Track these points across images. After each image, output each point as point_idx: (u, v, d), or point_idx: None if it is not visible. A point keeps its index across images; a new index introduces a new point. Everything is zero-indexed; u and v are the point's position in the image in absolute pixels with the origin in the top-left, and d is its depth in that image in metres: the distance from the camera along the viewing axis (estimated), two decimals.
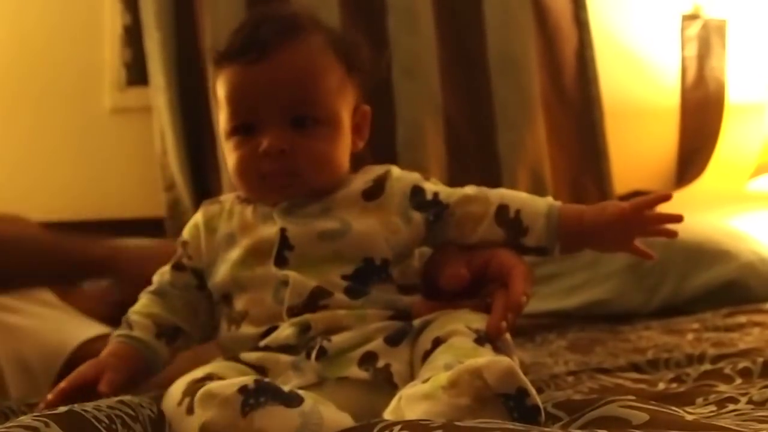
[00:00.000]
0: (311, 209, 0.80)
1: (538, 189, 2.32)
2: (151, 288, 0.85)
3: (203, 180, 2.37)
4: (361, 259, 0.76)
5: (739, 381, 0.83)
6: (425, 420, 0.52)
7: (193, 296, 0.84)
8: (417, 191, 0.82)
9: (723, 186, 2.39)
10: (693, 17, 2.47)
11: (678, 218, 0.85)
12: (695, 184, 2.38)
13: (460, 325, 0.69)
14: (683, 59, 2.47)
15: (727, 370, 0.87)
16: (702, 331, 1.38)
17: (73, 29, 2.49)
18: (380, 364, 0.69)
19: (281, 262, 0.76)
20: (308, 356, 0.70)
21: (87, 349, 1.18)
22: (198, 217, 0.86)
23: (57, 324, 1.25)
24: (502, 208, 0.80)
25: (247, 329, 0.76)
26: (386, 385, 0.68)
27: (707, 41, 2.45)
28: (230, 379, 0.59)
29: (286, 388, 0.58)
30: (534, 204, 0.80)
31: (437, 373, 0.59)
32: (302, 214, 0.79)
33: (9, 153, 2.32)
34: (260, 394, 0.56)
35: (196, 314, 0.84)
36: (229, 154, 0.82)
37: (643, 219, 0.82)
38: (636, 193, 2.39)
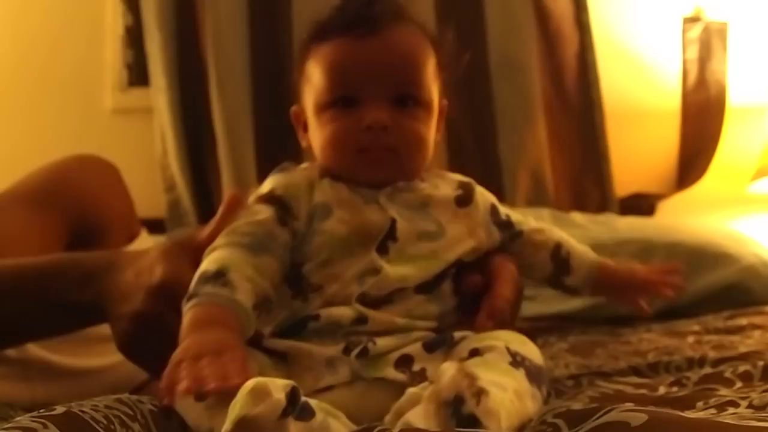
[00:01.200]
0: (410, 198, 0.80)
1: (538, 191, 2.32)
2: (241, 239, 0.73)
3: (203, 181, 2.38)
4: (448, 263, 0.78)
5: (739, 384, 0.82)
6: (422, 429, 0.52)
7: (285, 260, 0.75)
8: (494, 210, 0.86)
9: (724, 189, 2.39)
10: (694, 20, 2.47)
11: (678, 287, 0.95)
12: (696, 186, 2.37)
13: (500, 343, 0.67)
14: (684, 62, 2.47)
15: (728, 374, 0.87)
16: (703, 334, 1.38)
17: (74, 30, 2.49)
18: (416, 367, 0.68)
19: (383, 250, 0.75)
20: (345, 352, 0.69)
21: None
22: (294, 175, 0.80)
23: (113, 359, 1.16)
24: (558, 247, 0.89)
25: (316, 302, 0.73)
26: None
27: (708, 44, 2.44)
28: (277, 380, 0.54)
29: (301, 401, 0.55)
30: (582, 252, 0.90)
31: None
32: (403, 202, 0.79)
33: (9, 152, 2.32)
34: (291, 404, 0.53)
35: (279, 283, 0.74)
36: (321, 127, 0.80)
37: (658, 282, 0.93)
38: (637, 196, 2.39)
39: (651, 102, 2.46)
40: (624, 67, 2.46)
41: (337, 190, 0.79)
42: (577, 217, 2.13)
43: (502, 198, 2.50)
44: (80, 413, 0.56)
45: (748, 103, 2.43)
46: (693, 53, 2.46)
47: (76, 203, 1.23)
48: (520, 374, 0.64)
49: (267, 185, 0.79)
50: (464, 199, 0.83)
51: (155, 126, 2.40)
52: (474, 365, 0.63)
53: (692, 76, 2.46)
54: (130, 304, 0.75)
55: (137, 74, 2.50)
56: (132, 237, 1.33)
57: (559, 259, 0.88)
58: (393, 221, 0.76)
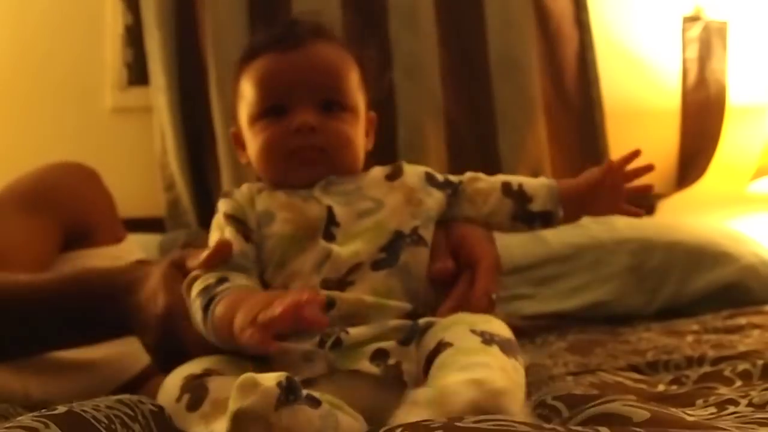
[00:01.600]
0: (346, 187, 0.84)
1: None
2: (223, 266, 0.77)
3: (203, 180, 2.38)
4: (393, 231, 0.80)
5: (738, 383, 0.82)
6: (426, 420, 0.52)
7: (259, 271, 0.80)
8: (430, 176, 0.88)
9: (724, 188, 2.39)
10: (694, 19, 2.47)
11: (649, 168, 0.98)
12: (696, 186, 2.37)
13: (463, 327, 0.69)
14: (684, 61, 2.46)
15: (727, 373, 0.87)
16: (702, 333, 1.38)
17: (74, 29, 2.49)
18: (391, 361, 0.70)
19: (329, 237, 0.79)
20: (321, 345, 0.70)
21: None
22: (235, 198, 0.84)
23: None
24: (506, 183, 0.88)
25: None
26: (396, 382, 0.68)
27: (708, 43, 2.44)
28: (267, 374, 0.57)
29: (306, 392, 0.57)
30: (533, 179, 0.89)
31: (451, 375, 0.60)
32: (340, 191, 0.83)
33: (8, 151, 2.32)
34: (290, 392, 0.56)
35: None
36: (255, 137, 0.86)
37: (622, 175, 0.97)
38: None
39: (651, 101, 2.46)
40: (624, 66, 2.45)
41: (275, 197, 0.83)
42: None
43: None
44: (82, 413, 0.56)
45: (748, 103, 2.43)
46: (693, 52, 2.46)
47: (67, 208, 1.26)
48: (494, 350, 0.66)
49: (220, 211, 0.84)
50: (393, 174, 0.87)
51: (155, 125, 2.40)
52: (448, 356, 0.65)
53: (692, 76, 2.46)
54: (149, 337, 0.82)
55: (137, 73, 2.50)
56: (118, 239, 1.35)
57: (513, 192, 0.88)
58: (329, 208, 0.80)
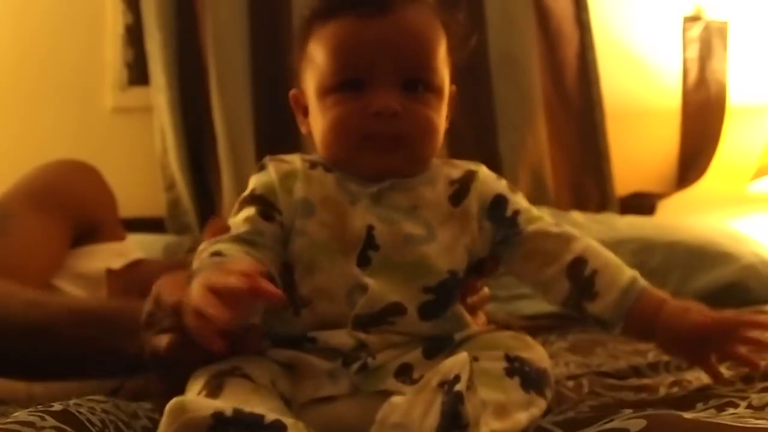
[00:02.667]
0: (400, 201, 0.74)
1: (538, 190, 2.32)
2: (239, 232, 0.71)
3: (203, 180, 2.38)
4: (445, 271, 0.72)
5: (739, 384, 0.82)
6: None
7: (280, 253, 0.72)
8: (498, 202, 0.77)
9: (724, 188, 2.38)
10: (694, 19, 2.47)
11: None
12: (696, 186, 2.37)
13: (499, 351, 0.65)
14: (685, 61, 2.46)
15: (727, 374, 0.87)
16: None
17: (74, 29, 2.49)
18: (416, 375, 0.66)
19: (364, 261, 0.71)
20: (345, 364, 0.67)
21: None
22: (270, 174, 0.76)
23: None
24: (579, 261, 0.73)
25: (307, 319, 0.70)
26: None
27: (709, 43, 2.44)
28: (209, 402, 0.55)
29: (270, 418, 0.55)
30: (616, 272, 0.74)
31: None
32: (390, 204, 0.73)
33: (9, 151, 2.32)
34: (232, 425, 0.53)
35: (277, 273, 0.72)
36: (324, 111, 0.75)
37: (730, 338, 0.72)
38: (637, 195, 2.39)
39: (651, 101, 2.46)
40: (624, 66, 2.45)
41: (323, 183, 0.75)
42: (577, 216, 2.13)
43: None
44: (77, 413, 0.56)
45: (749, 103, 2.43)
46: (693, 52, 2.45)
47: (76, 207, 1.26)
48: (512, 383, 0.62)
49: (249, 186, 0.77)
50: (459, 194, 0.76)
51: (155, 125, 2.40)
52: None
53: (692, 75, 2.45)
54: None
55: (137, 73, 2.50)
56: (121, 237, 1.35)
57: (579, 277, 0.72)
58: (369, 228, 0.71)
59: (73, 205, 1.26)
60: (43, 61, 2.48)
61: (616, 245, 1.86)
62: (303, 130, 0.82)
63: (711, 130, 2.40)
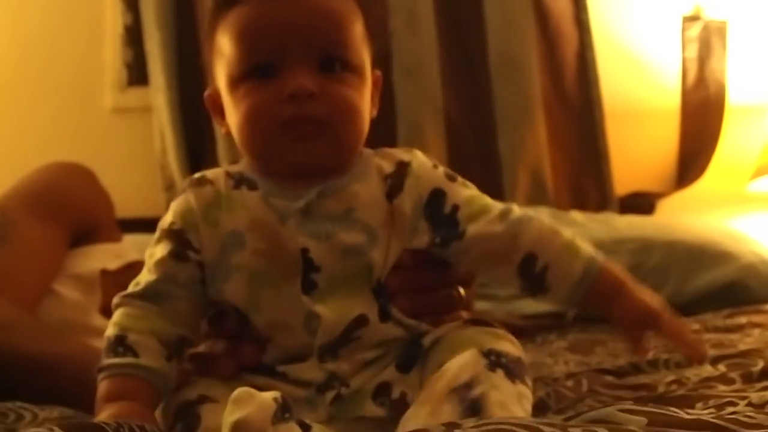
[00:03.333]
0: (332, 207, 0.68)
1: (538, 190, 2.32)
2: (136, 291, 0.67)
3: None
4: (377, 279, 0.68)
5: (739, 383, 0.82)
6: (422, 429, 0.52)
7: (198, 294, 0.68)
8: (436, 197, 0.70)
9: (723, 187, 2.39)
10: (694, 18, 2.47)
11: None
12: (696, 185, 2.37)
13: (473, 348, 0.62)
14: (684, 60, 2.46)
15: (727, 372, 0.87)
16: (702, 332, 1.38)
17: (74, 29, 2.49)
18: (395, 394, 0.64)
19: (310, 286, 0.66)
20: (320, 392, 0.65)
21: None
22: (191, 203, 0.70)
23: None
24: (529, 259, 0.69)
25: (273, 352, 0.67)
26: (401, 418, 0.62)
27: (708, 43, 2.44)
28: (260, 392, 0.54)
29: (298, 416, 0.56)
30: (568, 264, 0.69)
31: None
32: (322, 215, 0.68)
33: (9, 152, 2.32)
34: (285, 410, 0.53)
35: (198, 318, 0.69)
36: (237, 104, 0.70)
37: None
38: (636, 195, 2.39)
39: (650, 101, 2.46)
40: (623, 65, 2.45)
41: (248, 205, 0.69)
42: (577, 215, 2.13)
43: (501, 197, 2.49)
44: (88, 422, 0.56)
45: (748, 102, 2.43)
46: (692, 52, 2.45)
47: (73, 210, 1.27)
48: (498, 376, 0.61)
49: (168, 215, 0.72)
50: (394, 188, 0.70)
51: (154, 125, 2.40)
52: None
53: (692, 75, 2.45)
54: None
55: (136, 73, 2.50)
56: (117, 239, 1.36)
57: (530, 274, 0.69)
58: (304, 252, 0.66)
59: (70, 209, 1.26)
60: (42, 62, 2.48)
61: (615, 245, 1.89)
62: (222, 130, 0.77)
63: (710, 130, 2.40)
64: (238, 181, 0.71)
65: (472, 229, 0.69)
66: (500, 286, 0.76)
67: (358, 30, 0.71)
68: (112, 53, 2.50)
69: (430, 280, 0.73)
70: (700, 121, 2.42)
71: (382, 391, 0.65)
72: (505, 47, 2.36)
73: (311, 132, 0.68)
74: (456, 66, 2.38)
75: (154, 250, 0.70)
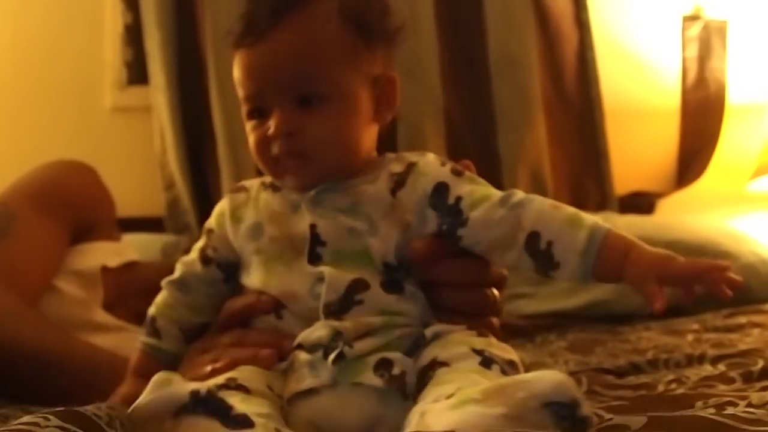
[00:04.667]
0: (340, 201, 0.75)
1: (538, 190, 2.32)
2: (175, 277, 0.82)
3: (202, 179, 2.38)
4: (381, 263, 0.72)
5: (739, 383, 0.82)
6: None
7: (220, 291, 0.82)
8: (439, 190, 0.75)
9: (723, 187, 2.39)
10: (694, 18, 2.47)
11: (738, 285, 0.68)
12: (696, 185, 2.37)
13: (464, 347, 0.66)
14: (684, 60, 2.46)
15: (727, 372, 0.87)
16: (702, 332, 1.38)
17: (74, 28, 2.49)
18: (396, 371, 0.66)
19: (315, 258, 0.73)
20: (325, 356, 0.68)
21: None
22: (224, 205, 0.82)
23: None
24: (533, 237, 0.70)
25: (290, 320, 0.74)
26: (399, 393, 0.65)
27: (708, 42, 2.44)
28: (193, 383, 0.58)
29: (239, 410, 0.57)
30: (571, 236, 0.70)
31: (454, 392, 0.57)
32: (331, 205, 0.75)
33: (8, 151, 2.32)
34: (201, 407, 0.56)
35: (218, 309, 0.81)
36: (249, 137, 0.79)
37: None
38: (636, 194, 2.39)
39: (650, 100, 2.46)
40: (624, 65, 2.45)
41: (270, 204, 0.78)
42: None
43: None
44: (83, 410, 0.56)
45: (748, 102, 2.43)
46: (692, 51, 2.46)
47: (75, 207, 1.27)
48: (494, 373, 0.63)
49: (211, 216, 0.83)
50: (398, 184, 0.76)
51: (154, 124, 2.40)
52: (446, 374, 0.62)
53: (692, 75, 2.46)
54: None
55: (136, 73, 2.50)
56: (117, 238, 1.36)
57: (537, 251, 0.70)
58: (312, 226, 0.74)
59: (72, 205, 1.27)
60: (42, 61, 2.48)
61: None
62: None
63: (710, 129, 2.40)
64: (268, 186, 0.81)
65: (475, 214, 0.72)
66: (518, 272, 0.75)
67: (334, 54, 0.76)
68: (112, 52, 2.50)
69: (456, 274, 0.76)
70: (700, 121, 2.42)
71: (383, 365, 0.67)
72: (505, 47, 2.36)
73: (297, 164, 0.76)
74: (456, 66, 2.38)
75: (197, 244, 0.83)
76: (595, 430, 0.56)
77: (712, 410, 0.59)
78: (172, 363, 0.79)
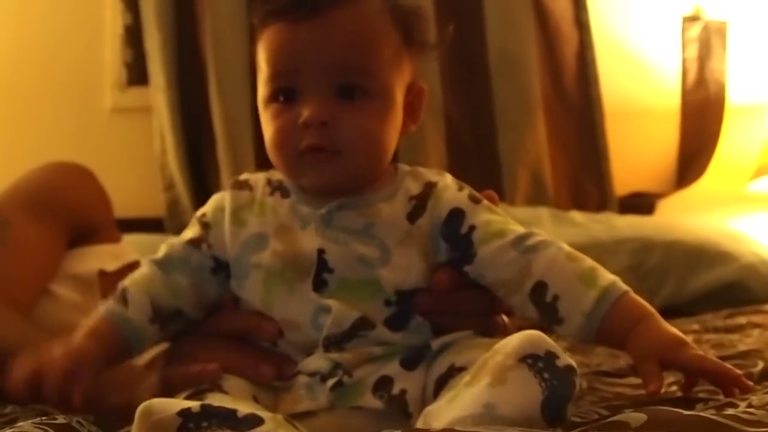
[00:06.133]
0: (353, 221, 0.70)
1: (538, 190, 2.32)
2: (157, 257, 0.75)
3: (202, 180, 2.38)
4: (393, 292, 0.69)
5: None
6: (423, 429, 0.52)
7: (204, 279, 0.74)
8: (454, 217, 0.71)
9: (723, 187, 2.39)
10: (694, 19, 2.47)
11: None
12: (696, 185, 2.37)
13: (481, 352, 0.62)
14: (684, 61, 2.46)
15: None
16: (702, 333, 1.38)
17: (74, 29, 2.49)
18: (395, 390, 0.65)
19: (320, 284, 0.68)
20: (323, 380, 0.66)
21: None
22: (224, 202, 0.75)
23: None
24: (540, 287, 0.67)
25: (285, 348, 0.71)
26: (400, 412, 0.64)
27: (708, 43, 2.44)
28: (174, 400, 0.55)
29: (244, 411, 0.54)
30: (580, 294, 0.66)
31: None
32: (343, 226, 0.70)
33: (8, 152, 2.32)
34: (204, 419, 0.53)
35: (201, 298, 0.75)
36: (266, 124, 0.72)
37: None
38: (636, 195, 2.39)
39: (650, 101, 2.46)
40: (623, 66, 2.45)
41: (277, 211, 0.72)
42: (577, 215, 2.13)
43: (501, 197, 2.48)
44: (78, 428, 0.56)
45: (748, 102, 2.43)
46: (692, 52, 2.46)
47: (71, 211, 1.26)
48: None
49: (205, 207, 0.78)
50: (417, 209, 0.71)
51: (154, 125, 2.40)
52: (461, 377, 0.61)
53: (692, 75, 2.46)
54: None
55: (136, 73, 2.50)
56: (117, 239, 1.35)
57: (542, 303, 0.67)
58: (320, 252, 0.68)
59: (68, 209, 1.26)
60: (42, 62, 2.48)
61: (615, 245, 1.89)
62: None
63: (710, 130, 2.40)
64: (275, 188, 0.75)
65: (483, 252, 0.69)
66: (520, 315, 0.72)
67: (384, 51, 0.71)
68: (111, 53, 2.50)
69: (465, 304, 0.73)
70: (700, 121, 2.42)
71: (382, 385, 0.66)
72: (505, 47, 2.36)
73: (324, 160, 0.69)
74: (456, 66, 2.38)
75: (186, 231, 0.77)
76: (595, 427, 0.56)
77: (712, 411, 0.59)
78: (131, 339, 0.72)
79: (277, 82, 0.71)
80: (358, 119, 0.69)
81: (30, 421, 0.56)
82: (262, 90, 0.73)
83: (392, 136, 0.73)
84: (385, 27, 0.72)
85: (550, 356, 0.54)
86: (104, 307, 0.74)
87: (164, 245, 0.77)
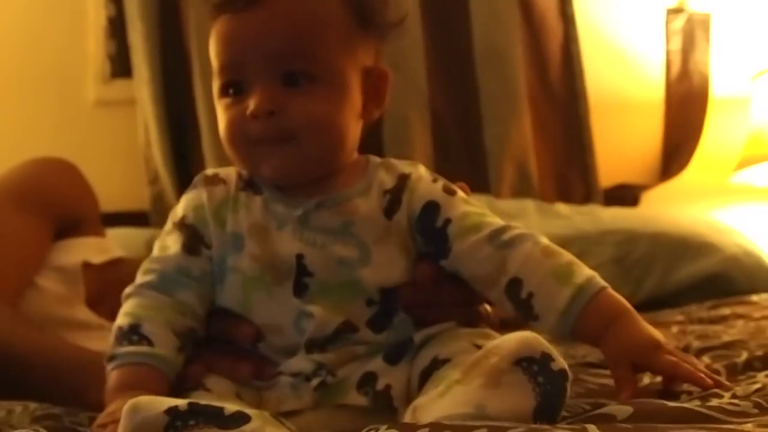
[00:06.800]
0: (330, 220, 0.69)
1: (523, 182, 2.33)
2: (149, 280, 0.70)
3: (187, 173, 2.36)
4: (377, 290, 0.68)
5: (723, 375, 0.83)
6: (411, 423, 0.52)
7: (209, 289, 0.71)
8: (429, 210, 0.70)
9: (707, 179, 2.40)
10: (677, 11, 2.48)
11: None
12: (680, 177, 2.38)
13: (465, 343, 0.64)
14: (668, 53, 2.47)
15: (712, 364, 0.87)
16: (686, 324, 1.38)
17: (56, 21, 2.47)
18: (380, 386, 0.65)
19: (301, 289, 0.67)
20: (307, 379, 0.66)
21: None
22: (202, 200, 0.73)
23: None
24: (515, 283, 0.67)
25: (266, 351, 0.69)
26: (385, 408, 0.64)
27: (691, 35, 2.45)
28: (161, 398, 0.54)
29: (231, 409, 0.53)
30: (554, 292, 0.66)
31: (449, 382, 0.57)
32: (320, 227, 0.69)
33: None
34: (191, 417, 0.52)
35: (207, 309, 0.71)
36: (219, 118, 0.71)
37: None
38: (621, 186, 2.40)
39: (635, 93, 2.47)
40: (608, 58, 2.46)
41: (250, 209, 0.70)
42: (562, 207, 2.13)
43: (487, 190, 2.46)
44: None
45: (731, 94, 2.44)
46: (676, 44, 2.46)
47: (56, 205, 1.26)
48: None
49: (179, 208, 0.74)
50: (393, 204, 0.70)
51: (138, 118, 2.38)
52: (448, 369, 0.61)
53: (675, 68, 2.46)
54: None
55: (120, 66, 2.48)
56: (100, 235, 1.35)
57: (518, 300, 0.67)
58: (299, 257, 0.67)
59: (53, 202, 1.25)
60: (23, 54, 2.46)
61: (600, 236, 1.90)
62: None
63: (694, 122, 2.41)
64: (246, 183, 0.73)
65: (458, 247, 0.69)
66: (501, 311, 0.72)
67: (331, 34, 0.70)
68: (95, 45, 2.48)
69: (449, 296, 0.72)
70: (684, 113, 2.43)
71: (366, 381, 0.65)
72: (490, 40, 2.36)
73: (277, 150, 0.68)
74: (441, 59, 2.37)
75: (166, 242, 0.72)
76: (582, 419, 0.56)
77: (697, 402, 0.60)
78: (171, 375, 0.67)
79: (225, 75, 0.70)
80: (306, 105, 0.68)
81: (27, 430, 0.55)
82: (214, 84, 0.72)
83: (348, 120, 0.71)
84: (330, 11, 0.70)
85: (546, 358, 0.54)
86: (122, 353, 0.66)
87: (150, 265, 0.71)
